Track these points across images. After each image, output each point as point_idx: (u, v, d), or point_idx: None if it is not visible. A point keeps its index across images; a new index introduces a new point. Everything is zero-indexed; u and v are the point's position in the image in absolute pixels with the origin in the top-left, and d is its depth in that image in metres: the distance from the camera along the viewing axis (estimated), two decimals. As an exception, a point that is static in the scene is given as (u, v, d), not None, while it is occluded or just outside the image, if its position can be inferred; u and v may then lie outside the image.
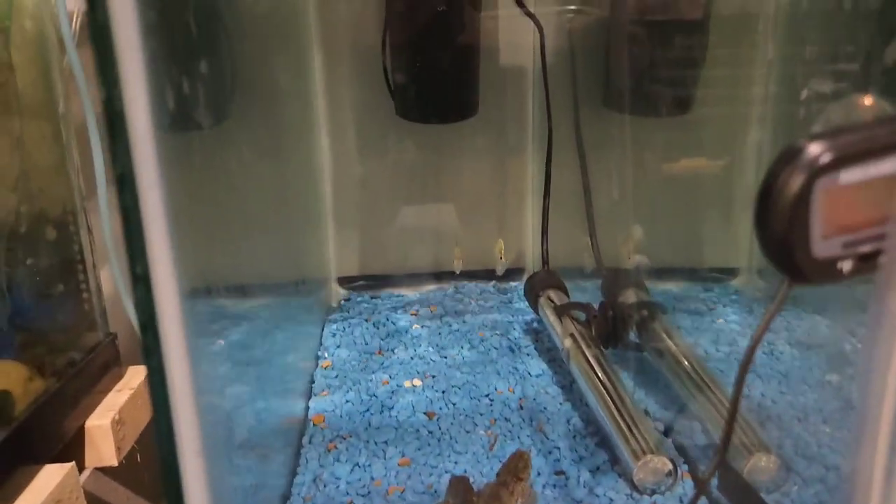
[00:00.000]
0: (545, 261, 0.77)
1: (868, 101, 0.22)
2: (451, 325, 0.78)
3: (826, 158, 0.20)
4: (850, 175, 0.20)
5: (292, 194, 0.76)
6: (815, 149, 0.20)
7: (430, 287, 0.94)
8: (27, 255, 0.60)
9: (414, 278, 0.96)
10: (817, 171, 0.20)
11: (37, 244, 0.61)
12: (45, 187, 0.62)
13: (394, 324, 0.79)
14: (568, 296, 0.71)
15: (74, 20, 0.59)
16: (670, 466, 0.45)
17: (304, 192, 0.82)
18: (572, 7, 0.82)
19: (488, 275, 0.95)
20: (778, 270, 0.22)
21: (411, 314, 0.83)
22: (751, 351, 0.24)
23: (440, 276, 0.96)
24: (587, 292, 0.79)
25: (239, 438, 0.42)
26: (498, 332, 0.76)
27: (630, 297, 0.65)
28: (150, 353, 0.23)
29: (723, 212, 0.89)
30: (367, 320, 0.80)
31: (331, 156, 0.89)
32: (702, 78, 0.75)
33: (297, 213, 0.78)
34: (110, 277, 0.66)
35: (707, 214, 0.88)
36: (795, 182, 0.20)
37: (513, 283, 0.94)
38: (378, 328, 0.78)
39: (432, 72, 0.75)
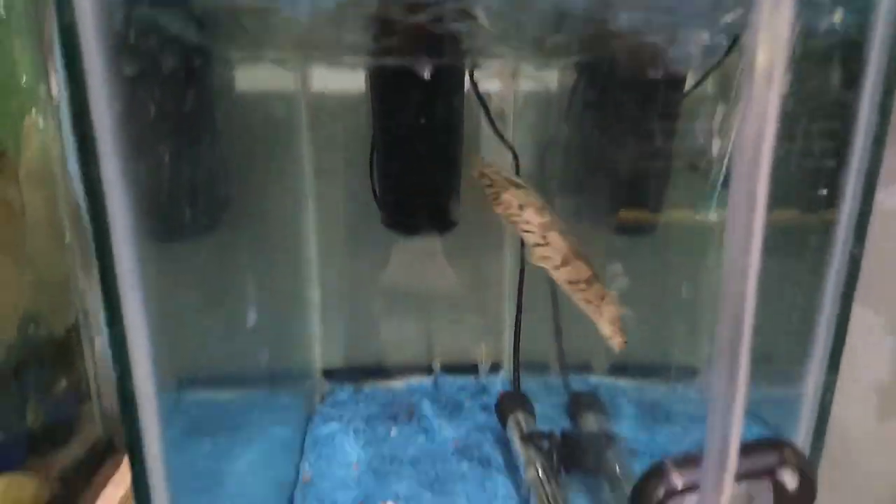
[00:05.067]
0: (517, 380, 0.82)
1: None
2: (427, 433, 0.83)
3: (677, 486, 0.26)
4: (692, 499, 0.26)
5: (281, 292, 0.81)
6: (672, 477, 0.26)
7: (412, 381, 0.99)
8: (36, 364, 0.65)
9: (397, 370, 1.01)
10: (669, 494, 0.26)
11: (43, 352, 0.66)
12: (53, 303, 0.67)
13: (373, 430, 0.83)
14: (534, 418, 0.76)
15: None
16: None
17: (292, 289, 0.88)
18: (549, 134, 0.89)
19: (468, 369, 1.01)
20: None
21: (390, 417, 0.87)
22: None
23: (423, 368, 1.01)
24: (555, 393, 0.84)
25: None
26: (470, 442, 0.80)
27: (590, 422, 0.70)
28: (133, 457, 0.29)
29: (686, 315, 0.96)
30: (348, 424, 0.85)
31: (318, 257, 0.96)
32: (666, 201, 0.81)
33: (286, 310, 0.84)
34: (108, 372, 0.71)
35: (671, 317, 0.95)
36: (655, 497, 0.26)
37: (491, 378, 1.00)
38: (358, 435, 0.82)
39: (415, 190, 0.81)
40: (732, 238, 0.19)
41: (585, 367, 0.92)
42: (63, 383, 0.69)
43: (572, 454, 0.66)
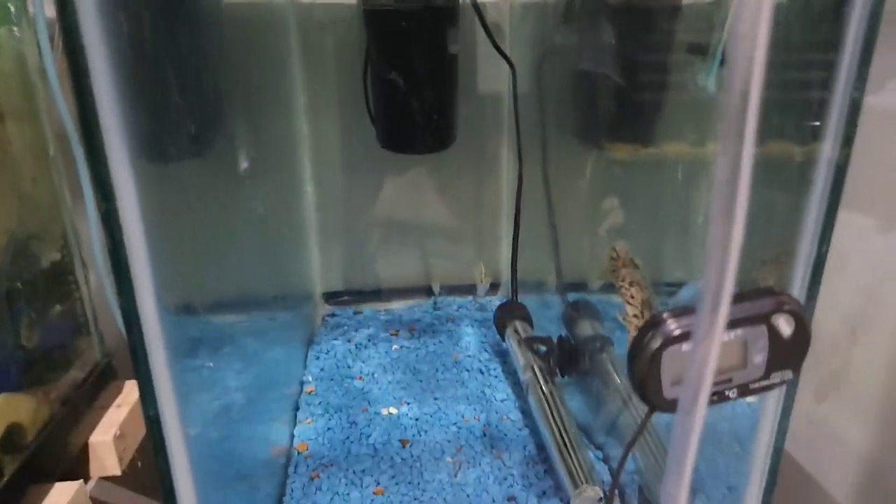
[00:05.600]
0: (514, 292, 0.83)
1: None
2: (427, 347, 0.85)
3: (674, 333, 0.27)
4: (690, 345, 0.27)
5: (278, 216, 0.81)
6: (668, 325, 0.27)
7: (412, 302, 1.01)
8: (27, 287, 0.65)
9: (396, 293, 1.02)
10: (666, 342, 0.27)
11: (35, 273, 0.66)
12: (41, 223, 0.66)
13: (374, 345, 0.85)
14: (532, 326, 0.77)
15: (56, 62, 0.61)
16: (601, 495, 0.52)
17: (289, 213, 0.88)
18: (544, 47, 0.86)
19: (467, 289, 1.02)
20: (642, 401, 0.29)
21: (391, 334, 0.89)
22: (623, 458, 0.31)
23: (421, 290, 1.03)
24: (552, 308, 0.85)
25: (229, 467, 0.48)
26: (470, 353, 0.83)
27: (585, 329, 0.72)
28: (140, 375, 0.30)
29: (680, 230, 0.96)
30: (349, 341, 0.87)
31: (314, 180, 0.95)
32: (658, 122, 0.80)
33: (284, 234, 0.84)
34: (103, 298, 0.71)
35: (664, 233, 0.95)
36: (652, 346, 0.27)
37: (489, 298, 1.01)
38: (360, 350, 0.84)
39: (410, 106, 0.79)
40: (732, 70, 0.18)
41: (582, 286, 0.93)
42: (57, 308, 0.69)
43: (568, 358, 0.68)
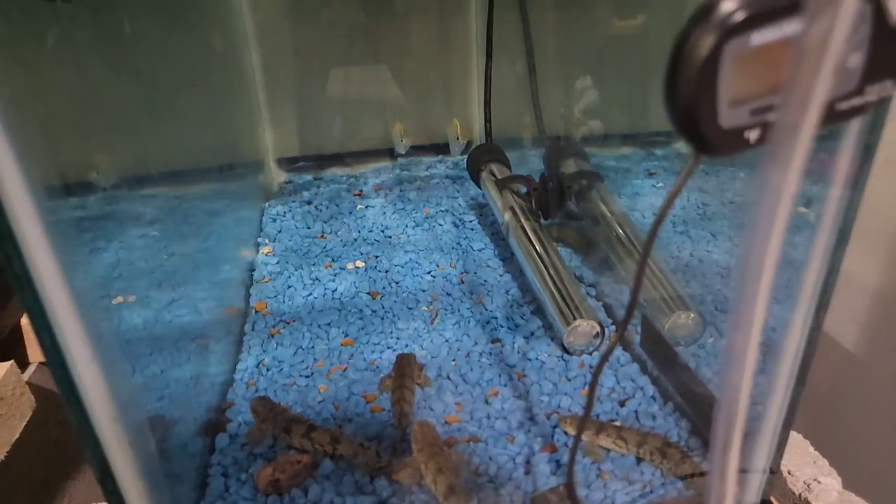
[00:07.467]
0: (488, 133, 0.74)
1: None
2: (395, 205, 0.77)
3: (738, 17, 0.18)
4: (763, 35, 0.18)
5: (211, 73, 0.68)
6: (727, 6, 0.18)
7: (377, 165, 0.91)
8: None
9: (359, 156, 0.92)
10: (728, 32, 0.18)
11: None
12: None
13: (336, 205, 0.77)
14: (510, 168, 0.69)
15: None
16: (598, 329, 0.47)
17: (227, 69, 0.75)
18: None
19: (437, 149, 0.92)
20: (685, 141, 0.21)
21: (355, 194, 0.81)
22: (656, 224, 0.24)
23: (387, 152, 0.92)
24: (531, 162, 0.77)
25: (168, 334, 0.41)
26: (443, 208, 0.75)
27: (570, 166, 0.64)
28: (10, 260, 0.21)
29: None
30: (308, 203, 0.78)
31: (254, 24, 0.80)
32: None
33: (221, 94, 0.72)
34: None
35: (650, 78, 0.86)
36: (704, 45, 0.18)
37: (462, 157, 0.92)
38: (320, 210, 0.76)
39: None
40: None
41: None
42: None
43: (552, 196, 0.61)
